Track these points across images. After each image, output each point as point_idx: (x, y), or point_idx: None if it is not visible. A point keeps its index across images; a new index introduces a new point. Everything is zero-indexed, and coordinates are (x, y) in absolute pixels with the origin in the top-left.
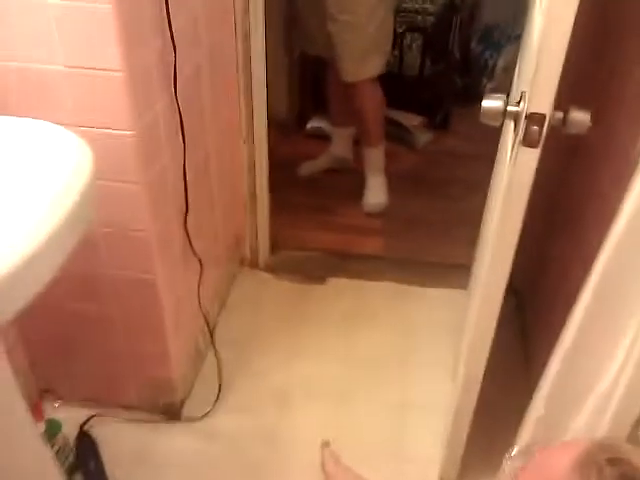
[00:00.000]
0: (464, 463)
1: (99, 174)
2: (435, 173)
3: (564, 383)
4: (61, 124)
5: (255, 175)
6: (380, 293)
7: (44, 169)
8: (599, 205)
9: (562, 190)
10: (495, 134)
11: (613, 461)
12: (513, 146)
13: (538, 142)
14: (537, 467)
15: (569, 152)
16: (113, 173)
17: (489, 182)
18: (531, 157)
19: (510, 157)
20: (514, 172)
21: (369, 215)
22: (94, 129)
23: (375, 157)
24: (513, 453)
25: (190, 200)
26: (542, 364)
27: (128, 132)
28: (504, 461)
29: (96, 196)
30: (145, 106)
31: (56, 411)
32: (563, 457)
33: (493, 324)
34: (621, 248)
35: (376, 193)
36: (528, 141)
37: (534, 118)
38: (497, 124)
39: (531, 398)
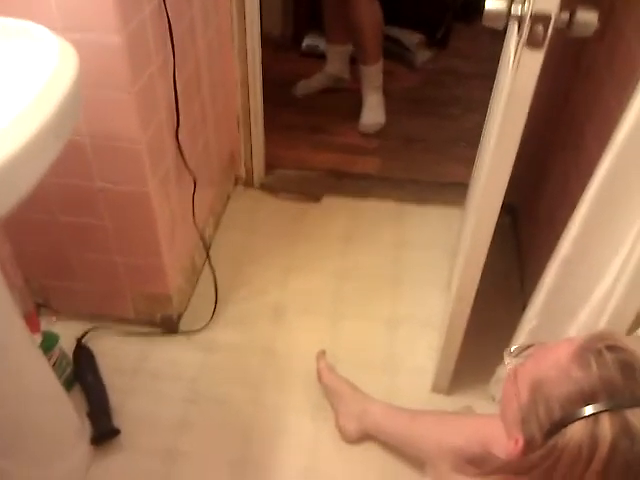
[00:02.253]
0: (456, 375)
1: (86, 82)
2: (434, 92)
3: (559, 293)
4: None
5: (249, 92)
6: (376, 212)
7: (25, 69)
8: (602, 118)
9: (563, 104)
10: (495, 52)
11: (612, 348)
12: (516, 49)
13: (542, 43)
14: (536, 361)
15: (572, 65)
16: (101, 81)
17: (489, 100)
18: (535, 59)
19: (513, 61)
20: (517, 76)
21: (366, 135)
22: (80, 33)
23: (372, 75)
24: (512, 349)
25: (181, 113)
26: (535, 280)
27: (115, 36)
28: (504, 355)
29: (81, 98)
30: (133, 9)
31: (53, 326)
32: (562, 349)
33: (489, 236)
34: (623, 155)
35: (373, 112)
36: (532, 42)
37: (539, 18)
38: (500, 26)
39: (524, 313)
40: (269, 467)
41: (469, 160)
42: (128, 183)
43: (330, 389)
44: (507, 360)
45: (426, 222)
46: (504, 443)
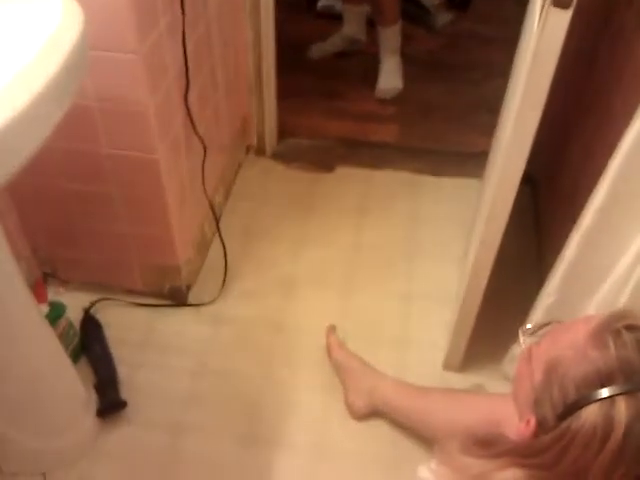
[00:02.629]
0: (468, 352)
1: (92, 43)
2: (454, 56)
3: (579, 267)
4: None
5: (261, 54)
6: (391, 183)
7: (28, 26)
8: (630, 84)
9: (589, 68)
10: (518, 15)
11: (631, 328)
12: (542, 9)
13: (570, 2)
14: (552, 340)
15: (600, 28)
16: (108, 42)
17: (511, 65)
18: (562, 19)
19: (538, 22)
20: (542, 37)
21: (382, 101)
22: None
23: (390, 38)
24: (528, 326)
25: (191, 76)
26: (554, 254)
27: None
28: (520, 333)
29: (87, 56)
30: None
31: (61, 296)
32: (579, 328)
33: (508, 208)
34: None
35: (390, 77)
36: (560, 1)
37: None
38: None
39: (541, 289)
40: (277, 442)
41: (490, 128)
42: (136, 149)
43: (340, 365)
44: (522, 338)
45: (443, 194)
46: (515, 424)
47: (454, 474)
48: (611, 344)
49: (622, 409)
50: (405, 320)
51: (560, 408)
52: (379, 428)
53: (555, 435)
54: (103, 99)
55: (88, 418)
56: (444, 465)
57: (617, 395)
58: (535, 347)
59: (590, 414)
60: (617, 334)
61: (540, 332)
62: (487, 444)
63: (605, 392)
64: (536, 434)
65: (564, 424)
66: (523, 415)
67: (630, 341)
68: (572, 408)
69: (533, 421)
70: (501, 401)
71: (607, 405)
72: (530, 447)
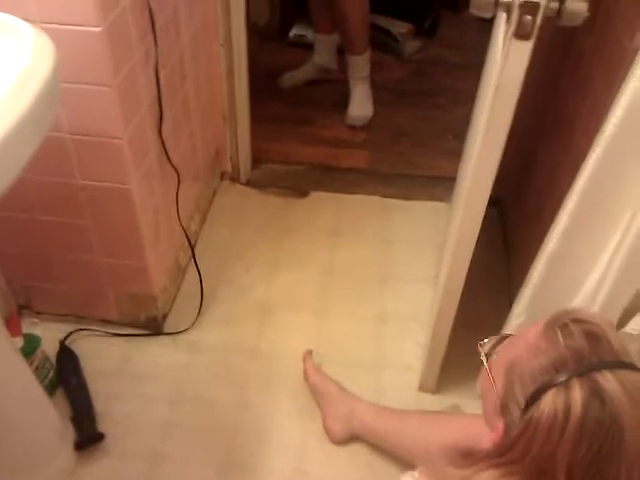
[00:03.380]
0: (443, 373)
1: (66, 76)
2: (422, 83)
3: (547, 288)
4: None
5: (234, 83)
6: (363, 206)
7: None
8: (591, 110)
9: (552, 94)
10: (484, 42)
11: (577, 321)
12: (505, 40)
13: (531, 33)
14: (507, 348)
15: (562, 54)
16: (81, 75)
17: (476, 92)
18: (524, 50)
19: (501, 52)
20: (505, 67)
21: (353, 127)
22: (58, 26)
23: (360, 66)
24: (485, 340)
25: (164, 106)
26: (523, 274)
27: (95, 28)
28: (478, 347)
29: (59, 89)
30: None
31: (36, 327)
32: (530, 330)
33: (476, 227)
34: (611, 148)
35: (361, 105)
36: (521, 33)
37: (527, 7)
38: (488, 15)
39: (511, 308)
40: (256, 469)
41: (456, 153)
42: (110, 180)
43: (317, 389)
44: (481, 353)
45: (413, 217)
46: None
47: None
48: (560, 336)
49: (577, 390)
50: (380, 342)
51: (522, 403)
52: (358, 452)
53: (520, 428)
54: (77, 132)
55: (66, 451)
56: (428, 475)
57: (571, 378)
58: (493, 360)
59: (548, 400)
60: (564, 327)
61: (497, 346)
62: (467, 455)
63: (560, 377)
64: (505, 436)
65: (526, 416)
66: (494, 426)
67: (577, 332)
68: (533, 399)
69: (501, 425)
70: (476, 420)
71: (563, 389)
72: (500, 446)
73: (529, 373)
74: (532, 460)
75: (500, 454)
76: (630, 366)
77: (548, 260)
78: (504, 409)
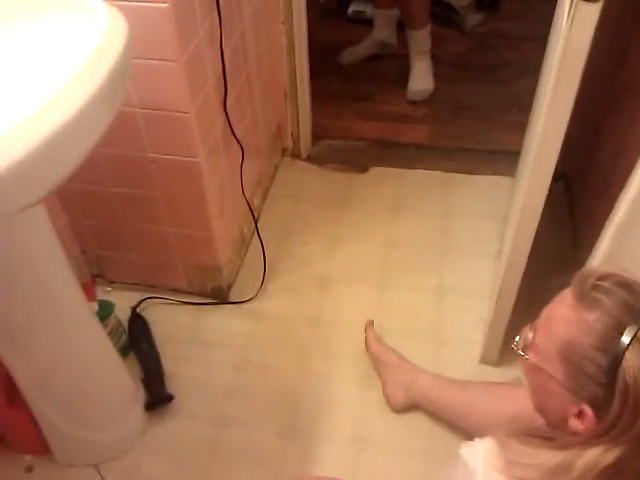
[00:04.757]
0: (505, 346)
1: (135, 52)
2: (484, 56)
3: (614, 259)
4: None
5: (295, 59)
6: (425, 181)
7: (75, 38)
8: None
9: (620, 63)
10: (547, 13)
11: (602, 278)
12: (571, 4)
13: None
14: (546, 335)
15: (631, 20)
16: (150, 51)
17: (541, 64)
18: (591, 13)
19: (567, 16)
20: (571, 32)
21: (414, 102)
22: (127, 3)
23: (420, 40)
24: (517, 339)
25: (229, 82)
26: (589, 248)
27: (162, 4)
28: (515, 349)
29: (131, 66)
30: None
31: (108, 295)
32: (560, 309)
33: (542, 199)
34: None
35: (421, 79)
36: None
37: None
38: None
39: None
40: (317, 435)
41: (520, 127)
42: (178, 153)
43: (378, 359)
44: (518, 351)
45: (475, 192)
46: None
47: (518, 466)
48: (599, 298)
49: None
50: (441, 315)
51: (602, 377)
52: (417, 421)
53: (619, 400)
54: (146, 106)
55: (136, 411)
56: (497, 455)
57: (638, 331)
58: (533, 354)
59: (632, 362)
60: (597, 288)
61: (531, 339)
62: (548, 437)
63: (627, 336)
64: (598, 416)
65: (618, 386)
66: (566, 417)
67: (612, 287)
68: (612, 369)
69: (587, 408)
70: None
71: (637, 344)
72: (602, 426)
73: (593, 347)
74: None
75: (600, 434)
76: None
77: (616, 230)
78: (578, 391)
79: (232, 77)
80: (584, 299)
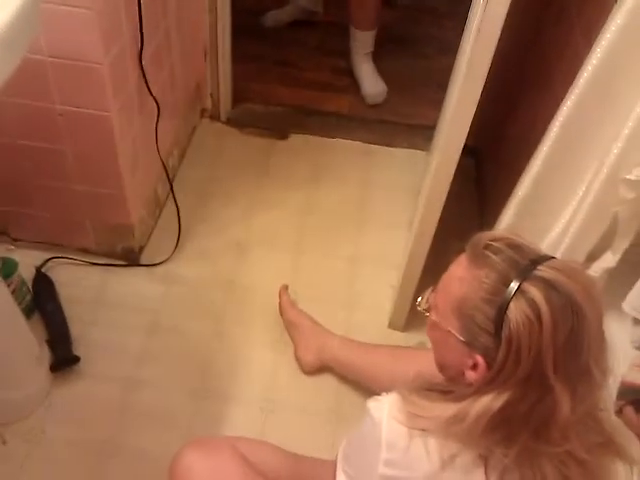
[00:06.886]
0: (412, 312)
1: None
2: (409, 31)
3: (517, 230)
4: None
5: (216, 18)
6: (344, 151)
7: None
8: (570, 60)
9: (532, 44)
10: None
11: (494, 239)
12: None
13: None
14: (442, 293)
15: (543, 4)
16: None
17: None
18: None
19: None
20: (486, 11)
21: (338, 71)
22: None
23: (368, 42)
24: (419, 300)
25: (145, 35)
26: (495, 221)
27: None
28: (417, 308)
29: (39, 9)
30: None
31: (12, 254)
32: (456, 270)
33: (451, 171)
34: (585, 96)
35: (374, 81)
36: None
37: None
38: None
39: None
40: (227, 397)
41: (440, 102)
42: (89, 106)
43: (291, 323)
44: (421, 310)
45: (393, 164)
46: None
47: (419, 418)
48: (489, 256)
49: (533, 290)
50: (353, 282)
51: (491, 326)
52: (326, 382)
53: (504, 347)
54: (57, 55)
55: (41, 372)
56: (400, 408)
57: (522, 284)
58: (434, 311)
59: (515, 311)
60: (488, 247)
61: (431, 299)
62: (446, 391)
63: (512, 288)
64: (489, 365)
65: (504, 333)
66: (461, 368)
67: (501, 246)
68: (499, 318)
69: (479, 358)
70: None
71: (521, 296)
72: (488, 375)
73: (482, 300)
74: (522, 370)
75: (492, 380)
76: (551, 257)
77: (518, 205)
78: (472, 343)
79: (150, 30)
80: (476, 258)
